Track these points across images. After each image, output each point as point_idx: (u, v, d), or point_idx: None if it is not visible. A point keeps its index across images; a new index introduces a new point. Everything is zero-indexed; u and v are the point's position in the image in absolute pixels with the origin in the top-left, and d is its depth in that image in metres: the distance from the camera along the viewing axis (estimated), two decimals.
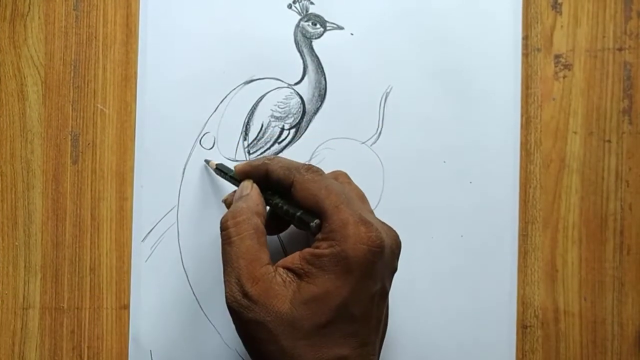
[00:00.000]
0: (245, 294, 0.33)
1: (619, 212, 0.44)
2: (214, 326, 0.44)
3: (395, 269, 0.37)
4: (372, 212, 0.38)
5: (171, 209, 0.44)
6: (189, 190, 0.44)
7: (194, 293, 0.44)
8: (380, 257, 0.33)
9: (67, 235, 0.44)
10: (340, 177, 0.40)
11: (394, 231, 0.36)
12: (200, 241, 0.44)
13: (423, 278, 0.44)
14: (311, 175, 0.36)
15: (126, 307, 0.44)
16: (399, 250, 0.36)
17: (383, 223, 0.36)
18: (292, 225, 0.39)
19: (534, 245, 0.45)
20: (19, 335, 0.44)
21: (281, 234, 0.42)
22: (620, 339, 0.44)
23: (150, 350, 0.43)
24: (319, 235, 0.34)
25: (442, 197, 0.45)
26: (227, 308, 0.34)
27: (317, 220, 0.34)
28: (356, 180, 0.44)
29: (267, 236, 0.37)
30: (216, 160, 0.43)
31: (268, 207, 0.38)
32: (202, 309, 0.44)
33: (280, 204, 0.37)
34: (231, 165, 0.43)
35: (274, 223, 0.39)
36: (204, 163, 0.43)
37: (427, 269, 0.45)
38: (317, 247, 0.34)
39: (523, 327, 0.45)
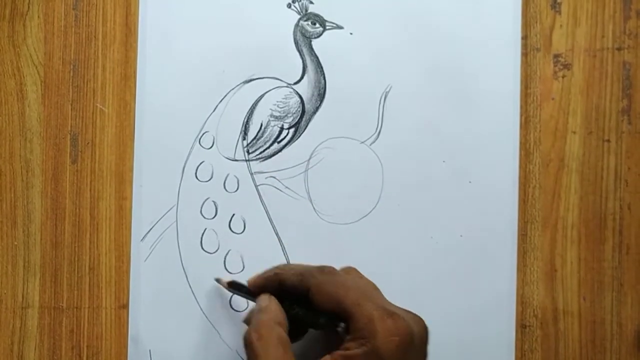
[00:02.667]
0: None
1: (618, 211, 0.44)
2: (213, 325, 0.44)
3: (426, 355, 0.36)
4: (389, 302, 0.37)
5: (170, 208, 0.44)
6: (188, 190, 0.44)
7: (193, 292, 0.44)
8: (411, 346, 0.33)
9: (66, 235, 0.44)
10: (351, 272, 0.40)
11: (420, 317, 0.36)
12: (200, 240, 0.44)
13: (422, 278, 0.44)
14: (326, 276, 0.36)
15: (125, 306, 0.44)
16: (428, 336, 0.35)
17: (407, 311, 0.36)
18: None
19: (533, 245, 0.45)
20: (18, 334, 0.44)
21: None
22: (619, 339, 0.44)
23: (150, 350, 0.43)
24: (347, 336, 0.34)
25: (441, 196, 0.45)
26: None
27: (342, 324, 0.34)
28: (355, 180, 0.45)
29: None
30: (215, 156, 0.43)
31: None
32: (201, 309, 0.44)
33: (301, 313, 0.37)
34: (231, 164, 0.43)
35: (294, 330, 0.39)
36: (215, 282, 0.43)
37: (427, 269, 0.45)
38: (347, 349, 0.33)
39: (522, 327, 0.45)
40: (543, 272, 0.45)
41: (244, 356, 0.43)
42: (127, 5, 0.44)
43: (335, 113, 0.45)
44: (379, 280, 0.43)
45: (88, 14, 0.44)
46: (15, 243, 0.44)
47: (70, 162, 0.44)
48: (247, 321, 0.39)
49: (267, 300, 0.37)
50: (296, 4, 0.45)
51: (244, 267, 0.44)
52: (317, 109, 0.45)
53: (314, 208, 0.44)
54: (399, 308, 0.36)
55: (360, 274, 0.40)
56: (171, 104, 0.44)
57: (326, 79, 0.45)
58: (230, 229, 0.44)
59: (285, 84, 0.45)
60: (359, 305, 0.34)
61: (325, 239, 0.44)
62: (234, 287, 0.41)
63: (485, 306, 0.44)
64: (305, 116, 0.45)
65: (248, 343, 0.35)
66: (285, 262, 0.44)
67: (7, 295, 0.44)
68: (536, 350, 0.44)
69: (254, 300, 0.39)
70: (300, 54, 0.45)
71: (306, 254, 0.44)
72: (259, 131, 0.44)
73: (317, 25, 0.45)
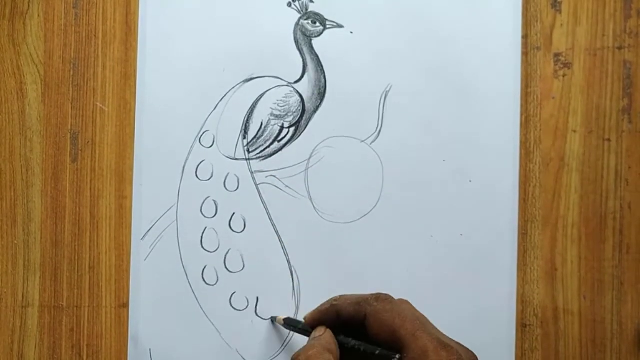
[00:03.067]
0: None
1: (619, 210, 0.44)
2: (213, 325, 0.44)
3: None
4: (443, 333, 0.37)
5: (170, 207, 0.44)
6: (188, 188, 0.44)
7: (193, 291, 0.44)
8: None
9: (67, 234, 0.44)
10: (404, 303, 0.40)
11: (471, 351, 0.36)
12: (200, 239, 0.44)
13: (422, 277, 0.44)
14: (382, 304, 0.36)
15: (125, 305, 0.44)
16: None
17: (459, 344, 0.36)
18: None
19: (533, 244, 0.45)
20: (18, 333, 0.44)
21: None
22: (620, 338, 0.44)
23: (150, 349, 0.43)
24: None
25: (441, 195, 0.45)
26: None
27: (398, 355, 0.34)
28: (355, 179, 0.45)
29: None
30: (216, 155, 0.43)
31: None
32: (201, 308, 0.44)
33: (357, 345, 0.37)
34: (231, 163, 0.43)
35: None
36: (270, 320, 0.43)
37: (427, 268, 0.45)
38: None
39: (522, 326, 0.45)
40: (543, 271, 0.45)
41: (244, 355, 0.43)
42: (127, 4, 0.44)
43: (336, 112, 0.45)
44: (379, 280, 0.43)
45: (88, 12, 0.44)
46: (16, 242, 0.44)
47: (70, 160, 0.44)
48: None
49: (322, 331, 0.38)
50: (296, 3, 0.45)
51: (244, 266, 0.44)
52: (317, 108, 0.45)
53: (314, 207, 0.44)
54: (453, 340, 0.36)
55: (412, 306, 0.40)
56: (171, 102, 0.44)
57: (326, 78, 0.45)
58: (230, 228, 0.44)
59: (285, 83, 0.45)
60: (414, 336, 0.34)
61: (326, 238, 0.44)
62: (290, 324, 0.42)
63: (486, 305, 0.44)
64: (305, 115, 0.45)
65: None
66: (285, 261, 0.44)
67: (7, 294, 0.44)
68: (536, 349, 0.44)
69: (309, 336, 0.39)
70: (301, 53, 0.45)
71: (306, 253, 0.44)
72: (259, 130, 0.44)
73: (318, 24, 0.45)
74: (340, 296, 0.39)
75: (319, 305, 0.41)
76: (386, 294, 0.37)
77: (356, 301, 0.37)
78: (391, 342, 0.35)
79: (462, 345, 0.36)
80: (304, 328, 0.40)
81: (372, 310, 0.36)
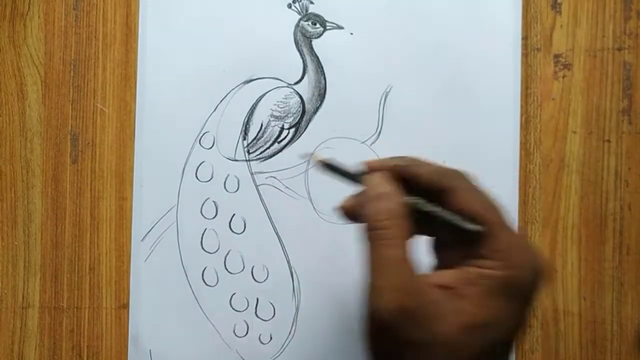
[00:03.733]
0: (405, 308, 0.28)
1: (619, 212, 0.44)
2: (213, 325, 0.44)
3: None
4: None
5: (171, 208, 0.44)
6: (188, 190, 0.44)
7: (193, 292, 0.44)
8: (540, 285, 0.30)
9: (67, 235, 0.44)
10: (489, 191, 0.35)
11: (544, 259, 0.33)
12: (200, 240, 0.44)
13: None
14: (472, 183, 0.32)
15: (125, 306, 0.44)
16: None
17: None
18: None
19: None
20: (18, 334, 0.44)
21: None
22: (620, 339, 0.44)
23: (150, 350, 0.43)
24: (481, 253, 0.30)
25: None
26: (374, 321, 0.29)
27: (481, 227, 0.30)
28: None
29: None
30: (216, 156, 0.43)
31: None
32: (201, 309, 0.44)
33: (436, 210, 0.31)
34: (231, 164, 0.43)
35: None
36: (304, 159, 0.39)
37: (427, 269, 0.44)
38: (481, 267, 0.29)
39: None
40: None
41: (244, 356, 0.43)
42: (127, 5, 0.44)
43: (336, 113, 0.45)
44: None
45: (88, 14, 0.44)
46: (16, 243, 0.44)
47: (70, 162, 0.44)
48: (345, 208, 0.34)
49: (389, 187, 0.31)
50: (296, 4, 0.45)
51: (244, 267, 0.44)
52: (317, 109, 0.45)
53: (314, 208, 0.44)
54: None
55: None
56: (171, 104, 0.44)
57: (326, 79, 0.45)
58: (230, 229, 0.44)
59: (285, 84, 0.45)
60: (503, 226, 0.30)
61: (326, 238, 0.44)
62: (332, 166, 0.34)
63: None
64: (305, 116, 0.45)
65: (378, 226, 0.30)
66: (285, 261, 0.44)
67: (8, 295, 0.44)
68: (537, 350, 0.44)
69: (354, 184, 0.33)
70: (301, 54, 0.45)
71: (306, 254, 0.44)
72: (259, 131, 0.44)
73: (318, 25, 0.45)
74: (414, 158, 0.33)
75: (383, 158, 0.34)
76: (472, 175, 0.32)
77: (439, 168, 0.32)
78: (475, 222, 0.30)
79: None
80: (348, 174, 0.33)
81: (463, 185, 0.31)
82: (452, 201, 0.31)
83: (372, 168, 0.33)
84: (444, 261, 0.32)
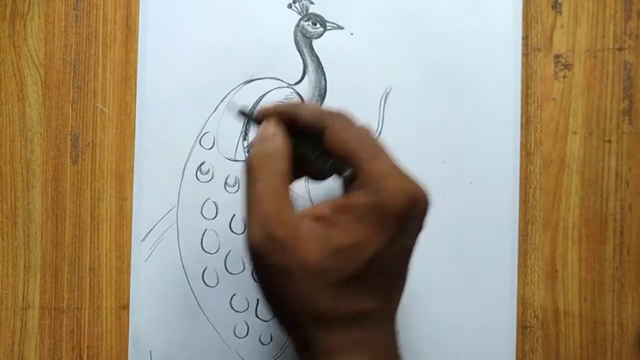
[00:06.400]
0: (271, 237, 0.30)
1: (619, 212, 0.44)
2: (213, 326, 0.44)
3: (422, 228, 0.34)
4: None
5: (171, 209, 0.44)
6: (188, 190, 0.44)
7: (193, 293, 0.44)
8: (415, 212, 0.32)
9: (67, 235, 0.44)
10: (369, 129, 0.37)
11: (426, 188, 0.34)
12: (200, 241, 0.44)
13: (422, 278, 0.44)
14: (346, 122, 0.34)
15: (126, 307, 0.44)
16: (428, 208, 0.34)
17: (416, 180, 0.34)
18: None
19: (533, 246, 0.45)
20: (18, 335, 0.44)
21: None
22: (620, 340, 0.44)
23: (150, 350, 0.43)
24: (354, 184, 0.32)
25: (442, 197, 0.45)
26: (248, 251, 0.31)
27: (350, 169, 0.32)
28: None
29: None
30: (216, 156, 0.43)
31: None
32: (201, 309, 0.44)
33: (311, 151, 0.34)
34: (231, 165, 0.43)
35: (297, 169, 0.36)
36: (227, 108, 0.41)
37: (427, 269, 0.44)
38: (351, 197, 0.32)
39: (523, 328, 0.44)
40: (544, 272, 0.45)
41: (245, 357, 0.43)
42: (127, 5, 0.44)
43: None
44: None
45: (88, 14, 0.44)
46: (16, 243, 0.44)
47: (70, 162, 0.44)
48: (249, 146, 0.37)
49: (274, 129, 0.34)
50: (297, 5, 0.45)
51: (244, 268, 0.44)
52: None
53: None
54: (412, 175, 0.34)
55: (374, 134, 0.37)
56: (172, 104, 0.44)
57: (327, 79, 0.45)
58: (230, 229, 0.44)
59: (285, 85, 0.45)
60: (375, 158, 0.32)
61: None
62: (243, 114, 0.38)
63: (486, 307, 0.44)
64: None
65: (250, 167, 0.33)
66: None
67: (8, 296, 0.44)
68: (537, 351, 0.44)
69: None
70: (301, 55, 0.45)
71: None
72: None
73: (318, 25, 0.45)
74: (302, 103, 0.37)
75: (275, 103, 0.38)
76: (351, 114, 0.35)
77: (319, 110, 0.35)
78: (348, 160, 0.33)
79: (419, 182, 0.34)
80: (255, 120, 0.37)
81: (336, 124, 0.33)
82: (326, 141, 0.33)
83: (264, 113, 0.36)
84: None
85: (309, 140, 0.35)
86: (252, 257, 0.31)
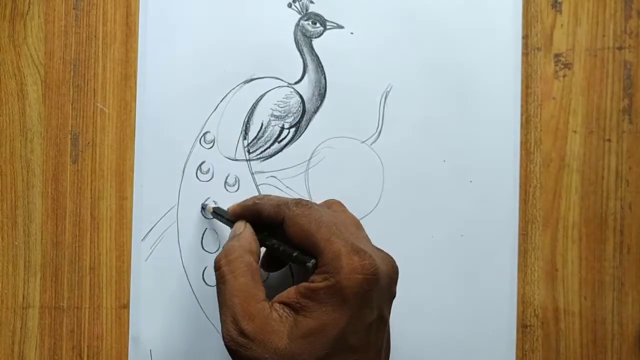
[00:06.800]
0: (242, 332, 0.33)
1: (619, 211, 0.44)
2: (213, 325, 0.44)
3: (393, 295, 0.36)
4: (368, 239, 0.38)
5: (171, 208, 0.44)
6: (188, 189, 0.44)
7: (193, 292, 0.44)
8: (375, 284, 0.33)
9: (67, 235, 0.44)
10: (333, 205, 0.40)
11: (390, 257, 0.36)
12: (200, 240, 0.44)
13: (423, 277, 0.44)
14: (301, 209, 0.36)
15: (126, 306, 0.44)
16: (397, 276, 0.36)
17: (379, 250, 0.36)
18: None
19: (534, 245, 0.45)
20: (18, 334, 0.44)
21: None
22: (620, 339, 0.44)
23: (150, 350, 0.43)
24: (315, 270, 0.34)
25: (442, 196, 0.45)
26: (225, 346, 0.34)
27: (313, 260, 0.34)
28: (356, 179, 0.45)
29: (279, 270, 0.38)
30: (216, 156, 0.43)
31: (264, 248, 0.38)
32: (202, 309, 0.44)
33: (276, 245, 0.37)
34: (231, 164, 0.43)
35: (272, 261, 0.40)
36: (200, 208, 0.44)
37: (427, 268, 0.45)
38: (313, 281, 0.33)
39: (523, 327, 0.45)
40: (544, 271, 0.45)
41: None
42: (127, 4, 0.44)
43: (336, 113, 0.45)
44: None
45: (88, 13, 0.44)
46: (16, 243, 0.44)
47: (70, 162, 0.44)
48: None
49: (242, 228, 0.38)
50: (297, 4, 0.45)
51: None
52: (317, 108, 0.45)
53: None
54: (372, 246, 0.36)
55: (344, 207, 0.40)
56: (172, 103, 0.44)
57: (327, 78, 0.45)
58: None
59: (285, 84, 0.45)
60: (328, 240, 0.34)
61: None
62: (218, 213, 0.42)
63: (486, 306, 0.44)
64: (305, 116, 0.45)
65: (217, 267, 0.35)
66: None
67: (8, 295, 0.44)
68: (537, 350, 0.44)
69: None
70: (301, 54, 0.45)
71: None
72: (259, 131, 0.44)
73: (318, 24, 0.45)
74: (265, 195, 0.40)
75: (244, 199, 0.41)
76: (308, 200, 0.37)
77: (277, 203, 0.37)
78: (308, 248, 0.35)
79: (382, 251, 0.36)
80: (229, 219, 0.40)
81: (290, 214, 0.36)
82: (285, 230, 0.36)
83: (232, 212, 0.40)
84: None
85: (276, 233, 0.37)
86: (229, 353, 0.34)
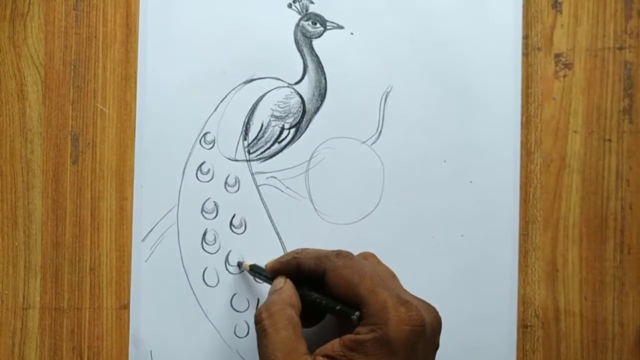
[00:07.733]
0: None
1: (620, 211, 0.44)
2: (214, 326, 0.44)
3: (437, 346, 0.36)
4: (405, 290, 0.38)
5: (171, 209, 0.44)
6: (189, 190, 0.44)
7: (194, 293, 0.44)
8: (422, 336, 0.33)
9: (67, 235, 0.44)
10: (369, 257, 0.40)
11: (433, 307, 0.36)
12: (201, 240, 0.44)
13: (423, 278, 0.44)
14: (342, 261, 0.36)
15: (126, 307, 0.44)
16: (440, 327, 0.36)
17: (421, 300, 0.36)
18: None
19: (534, 245, 0.45)
20: (18, 335, 0.43)
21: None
22: (621, 339, 0.44)
23: (150, 350, 0.43)
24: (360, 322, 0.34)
25: (442, 196, 0.45)
26: None
27: (357, 313, 0.34)
28: (356, 180, 0.45)
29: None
30: (216, 156, 0.43)
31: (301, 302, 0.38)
32: (202, 309, 0.44)
33: (318, 299, 0.37)
34: (232, 164, 0.43)
35: (311, 315, 0.39)
36: (237, 266, 0.44)
37: (428, 269, 0.44)
38: (358, 333, 0.33)
39: (523, 327, 0.44)
40: (544, 272, 0.45)
41: (245, 357, 0.43)
42: (127, 5, 0.44)
43: (336, 113, 0.45)
44: None
45: (88, 14, 0.44)
46: (16, 244, 0.44)
47: (70, 162, 0.44)
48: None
49: (282, 283, 0.38)
50: (297, 4, 0.45)
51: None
52: (317, 109, 0.45)
53: (314, 208, 0.44)
54: (414, 297, 0.36)
55: (378, 259, 0.40)
56: (172, 104, 0.44)
57: (327, 79, 0.45)
58: (231, 229, 0.44)
59: (286, 84, 0.45)
60: (373, 292, 0.34)
61: (326, 239, 0.44)
62: (255, 270, 0.42)
63: (487, 306, 0.44)
64: (306, 116, 0.45)
65: (258, 321, 0.35)
66: None
67: (8, 296, 0.44)
68: (538, 350, 0.44)
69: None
70: (301, 54, 0.45)
71: None
72: (259, 131, 0.44)
73: (318, 25, 0.45)
74: (303, 249, 0.39)
75: (281, 255, 0.41)
76: (348, 252, 0.37)
77: (317, 255, 0.37)
78: (351, 299, 0.35)
79: (425, 302, 0.36)
80: (267, 276, 0.40)
81: (332, 266, 0.36)
82: (327, 283, 0.36)
83: (271, 269, 0.40)
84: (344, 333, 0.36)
85: (316, 287, 0.37)
86: None
